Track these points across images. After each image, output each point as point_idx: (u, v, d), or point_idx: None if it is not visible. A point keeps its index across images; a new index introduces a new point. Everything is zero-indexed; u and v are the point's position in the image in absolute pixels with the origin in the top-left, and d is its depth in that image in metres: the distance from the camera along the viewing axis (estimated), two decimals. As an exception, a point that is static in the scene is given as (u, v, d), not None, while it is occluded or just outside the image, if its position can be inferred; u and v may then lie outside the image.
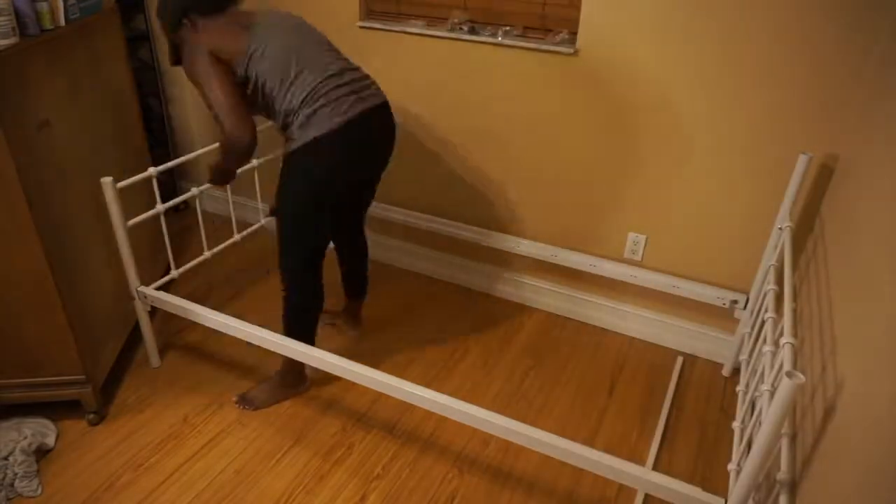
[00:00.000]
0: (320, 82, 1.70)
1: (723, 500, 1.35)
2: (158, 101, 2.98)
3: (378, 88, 1.83)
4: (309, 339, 1.97)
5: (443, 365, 2.25)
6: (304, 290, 1.93)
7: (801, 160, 1.80)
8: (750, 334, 1.91)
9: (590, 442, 1.96)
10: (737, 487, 1.30)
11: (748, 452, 1.29)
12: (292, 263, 1.89)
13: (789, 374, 1.10)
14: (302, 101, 1.69)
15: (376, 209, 2.63)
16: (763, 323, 1.69)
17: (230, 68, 1.71)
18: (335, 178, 1.78)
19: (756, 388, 1.55)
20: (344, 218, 2.12)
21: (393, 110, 2.48)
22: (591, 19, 2.00)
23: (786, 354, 1.25)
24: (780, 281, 1.74)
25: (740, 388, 1.77)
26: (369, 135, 1.79)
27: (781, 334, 1.34)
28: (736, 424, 1.63)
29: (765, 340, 1.52)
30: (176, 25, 1.75)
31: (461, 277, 2.69)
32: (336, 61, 1.76)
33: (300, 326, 1.95)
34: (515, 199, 2.41)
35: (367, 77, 1.82)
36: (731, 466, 1.49)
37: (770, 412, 1.17)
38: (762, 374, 1.47)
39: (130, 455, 1.86)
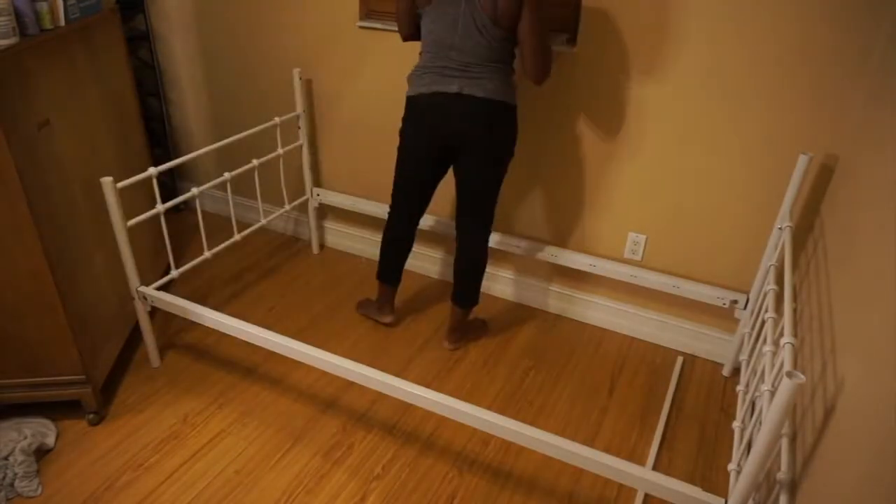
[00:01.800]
0: (431, 54, 1.88)
1: (723, 500, 1.35)
2: (158, 101, 2.98)
3: (479, 81, 1.84)
4: (380, 268, 2.30)
5: (443, 365, 2.25)
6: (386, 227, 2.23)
7: (802, 160, 1.80)
8: (750, 334, 1.91)
9: (590, 442, 1.96)
10: (737, 488, 1.30)
11: (748, 452, 1.29)
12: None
13: (789, 374, 1.10)
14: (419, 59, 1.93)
15: (374, 208, 2.63)
16: (763, 323, 1.69)
17: None
18: (405, 141, 2.02)
19: (756, 389, 1.55)
20: (457, 202, 2.12)
21: (382, 103, 2.48)
22: (591, 19, 1.99)
23: (786, 354, 1.25)
24: (780, 281, 1.74)
25: (740, 388, 1.77)
26: (426, 117, 1.93)
27: (781, 334, 1.34)
28: (736, 424, 1.63)
29: (765, 340, 1.52)
30: None
31: (461, 277, 2.69)
32: (456, 39, 1.84)
33: (380, 251, 2.28)
34: (515, 198, 2.41)
35: (474, 67, 1.84)
36: (732, 466, 1.49)
37: (770, 412, 1.17)
38: (762, 374, 1.47)
39: (130, 455, 1.86)
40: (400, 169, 2.09)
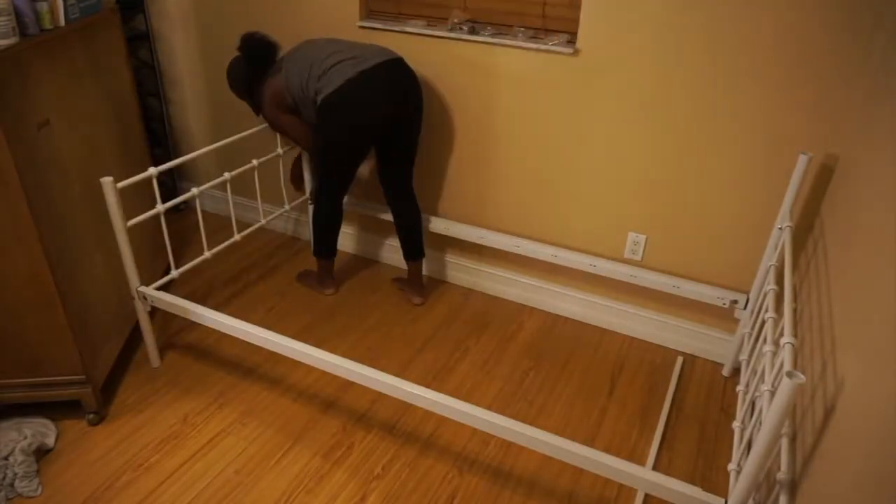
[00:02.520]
0: (330, 67, 2.09)
1: (723, 500, 1.35)
2: (158, 101, 2.98)
3: (386, 51, 2.12)
4: (326, 249, 2.46)
5: (443, 365, 2.25)
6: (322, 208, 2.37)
7: (801, 160, 1.80)
8: (750, 334, 1.91)
9: (590, 442, 1.96)
10: (737, 487, 1.30)
11: (748, 452, 1.29)
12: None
13: (790, 374, 1.10)
14: (318, 80, 2.11)
15: (373, 209, 2.63)
16: (763, 323, 1.69)
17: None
18: (339, 134, 2.14)
19: (756, 389, 1.55)
20: (387, 177, 2.39)
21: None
22: (590, 20, 1.99)
23: (786, 354, 1.25)
24: (780, 281, 1.74)
25: (740, 388, 1.77)
26: (372, 90, 2.07)
27: (782, 334, 1.34)
28: (736, 424, 1.63)
29: (765, 340, 1.52)
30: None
31: (460, 277, 2.69)
32: (342, 50, 2.12)
33: (321, 236, 2.43)
34: (515, 199, 2.41)
35: (369, 48, 2.13)
36: (732, 466, 1.49)
37: (770, 412, 1.17)
38: (762, 374, 1.47)
39: (130, 455, 1.86)
40: None
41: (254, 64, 2.21)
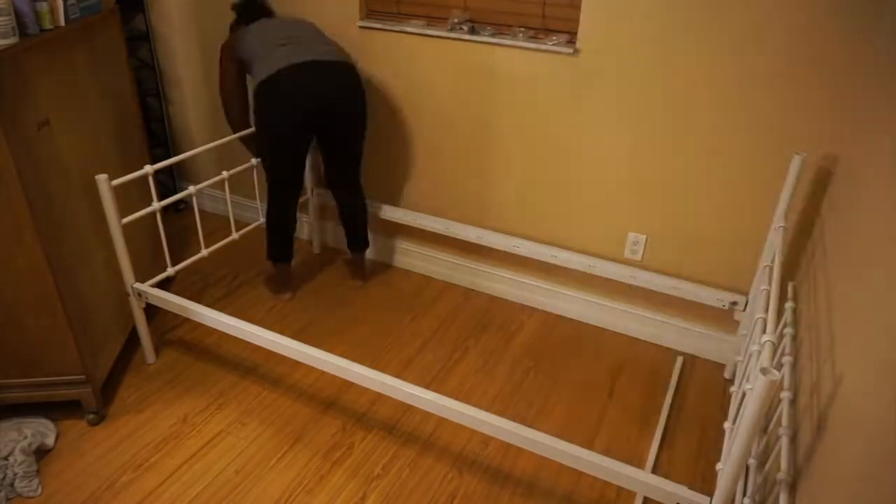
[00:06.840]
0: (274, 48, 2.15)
1: (708, 499, 1.36)
2: (158, 101, 2.98)
3: (330, 52, 2.16)
4: (275, 252, 2.45)
5: (443, 365, 2.25)
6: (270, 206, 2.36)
7: (795, 160, 1.79)
8: (748, 336, 1.91)
9: (590, 443, 1.96)
10: (719, 485, 1.30)
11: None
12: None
13: (763, 371, 1.12)
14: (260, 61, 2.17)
15: (376, 208, 2.63)
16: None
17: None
18: (268, 121, 2.18)
19: (742, 388, 1.55)
20: (328, 171, 2.43)
21: (383, 103, 2.49)
22: (591, 19, 2.00)
23: (764, 352, 1.25)
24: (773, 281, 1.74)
25: (734, 388, 1.77)
26: (296, 85, 2.11)
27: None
28: (727, 425, 1.63)
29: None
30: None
31: (460, 277, 2.69)
32: (290, 41, 2.16)
33: (269, 238, 2.42)
34: (515, 199, 2.41)
35: (318, 44, 2.17)
36: (720, 466, 1.49)
37: (746, 409, 1.18)
38: (748, 373, 1.47)
39: (130, 455, 1.86)
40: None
41: (243, 9, 2.33)
